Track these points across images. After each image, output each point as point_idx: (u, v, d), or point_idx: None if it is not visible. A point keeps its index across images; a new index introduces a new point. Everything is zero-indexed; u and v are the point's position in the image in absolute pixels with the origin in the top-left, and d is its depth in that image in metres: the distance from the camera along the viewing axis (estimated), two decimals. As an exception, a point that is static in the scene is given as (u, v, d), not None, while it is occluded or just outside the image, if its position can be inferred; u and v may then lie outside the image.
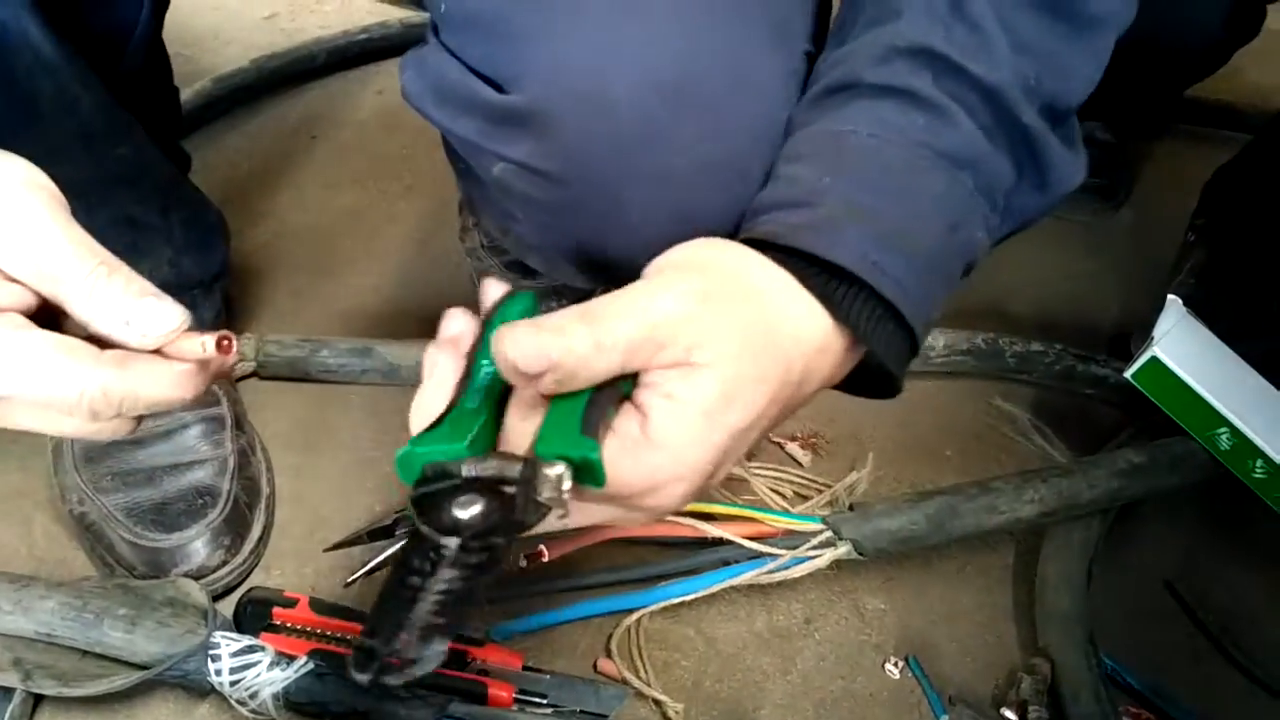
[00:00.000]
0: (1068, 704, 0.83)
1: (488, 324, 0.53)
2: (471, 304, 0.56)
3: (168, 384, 0.49)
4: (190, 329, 0.49)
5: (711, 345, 0.47)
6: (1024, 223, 0.61)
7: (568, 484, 0.44)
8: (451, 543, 0.42)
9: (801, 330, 0.51)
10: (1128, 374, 0.95)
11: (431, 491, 0.44)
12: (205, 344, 0.50)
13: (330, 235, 1.27)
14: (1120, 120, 1.37)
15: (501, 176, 0.67)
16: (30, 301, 0.48)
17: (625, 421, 0.47)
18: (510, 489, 0.43)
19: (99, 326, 0.48)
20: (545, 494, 0.44)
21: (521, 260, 0.98)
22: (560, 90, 0.61)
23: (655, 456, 0.47)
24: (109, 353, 0.48)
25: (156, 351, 0.49)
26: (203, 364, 0.50)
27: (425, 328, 0.54)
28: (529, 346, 0.44)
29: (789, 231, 0.52)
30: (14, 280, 0.47)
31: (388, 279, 1.20)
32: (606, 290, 0.49)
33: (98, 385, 0.47)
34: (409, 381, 1.03)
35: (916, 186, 0.54)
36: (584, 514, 0.50)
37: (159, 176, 0.88)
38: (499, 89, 0.64)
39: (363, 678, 0.41)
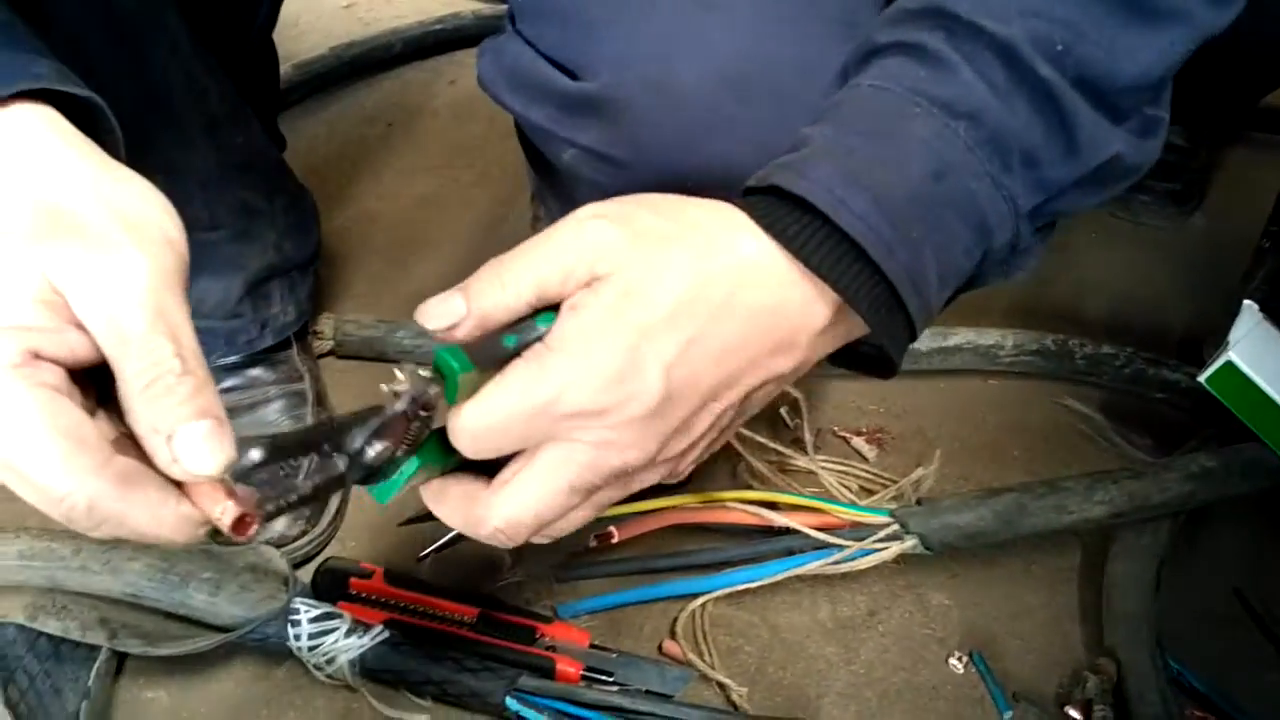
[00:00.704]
0: (1133, 704, 0.83)
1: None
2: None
3: (164, 525, 0.42)
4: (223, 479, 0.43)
5: (613, 254, 0.49)
6: (1060, 192, 0.56)
7: (402, 379, 0.49)
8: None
9: (729, 241, 0.50)
10: (1201, 378, 0.95)
11: None
12: (225, 513, 0.43)
13: (406, 221, 1.30)
14: (1196, 124, 1.36)
15: (571, 162, 0.69)
16: (88, 355, 0.42)
17: (538, 344, 0.49)
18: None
19: (138, 422, 0.42)
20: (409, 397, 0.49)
21: None
22: (630, 78, 0.63)
23: (552, 360, 0.48)
24: (117, 462, 0.41)
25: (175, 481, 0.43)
26: (209, 524, 0.44)
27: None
28: (435, 306, 0.49)
29: (767, 172, 0.52)
30: (82, 327, 0.42)
31: (461, 264, 1.22)
32: None
33: (85, 496, 0.40)
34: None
35: (900, 130, 0.52)
36: (543, 472, 0.50)
37: (268, 162, 0.91)
38: (572, 76, 0.65)
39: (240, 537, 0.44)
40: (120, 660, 0.84)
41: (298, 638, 0.80)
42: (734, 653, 0.89)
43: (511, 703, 0.79)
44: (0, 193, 0.43)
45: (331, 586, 0.86)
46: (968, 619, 0.93)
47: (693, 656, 0.87)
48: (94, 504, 0.41)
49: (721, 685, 0.86)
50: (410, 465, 0.51)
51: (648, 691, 0.83)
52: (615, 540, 0.88)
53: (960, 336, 1.10)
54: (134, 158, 0.49)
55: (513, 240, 0.51)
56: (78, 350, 0.42)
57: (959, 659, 0.90)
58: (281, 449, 0.46)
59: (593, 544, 0.89)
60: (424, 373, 0.48)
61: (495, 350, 0.49)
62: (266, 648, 0.81)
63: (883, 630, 0.92)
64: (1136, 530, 0.93)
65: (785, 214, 0.50)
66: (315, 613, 0.81)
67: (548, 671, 0.82)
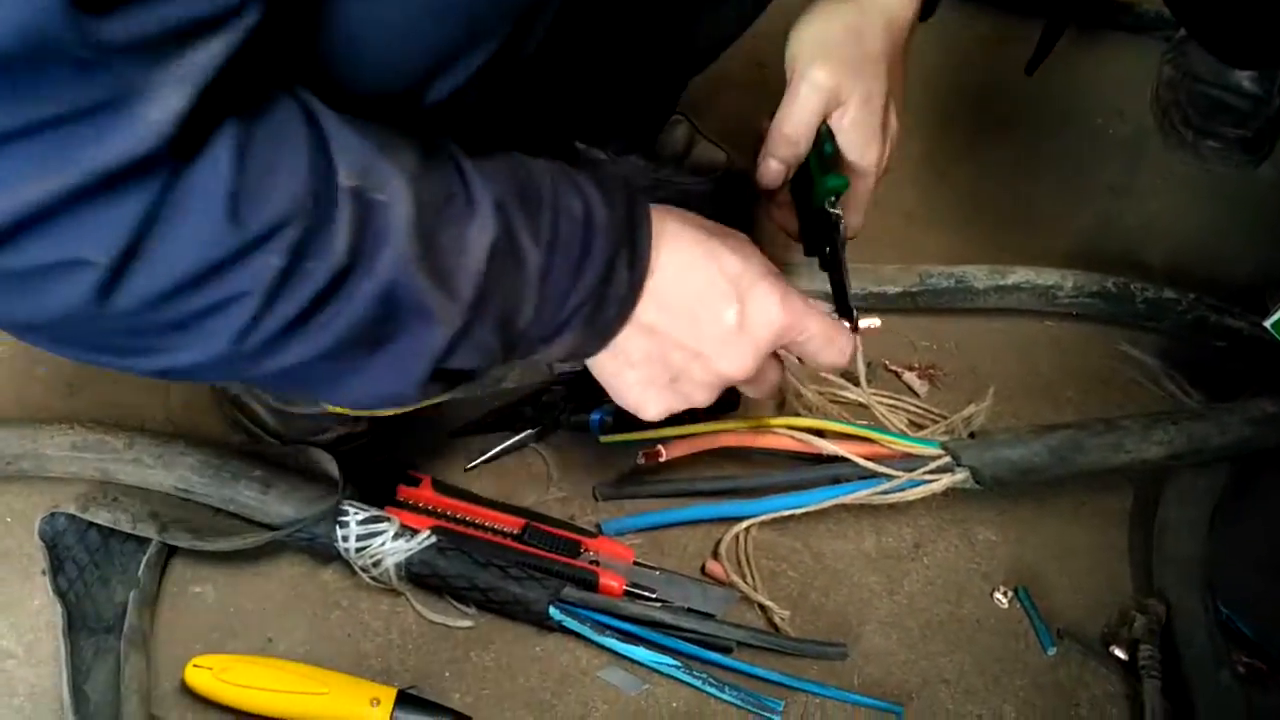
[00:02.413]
0: (1181, 646, 0.83)
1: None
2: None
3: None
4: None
5: (846, 84, 0.74)
6: None
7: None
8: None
9: (891, 27, 0.76)
10: (1267, 323, 0.93)
11: None
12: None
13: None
14: (1270, 71, 1.32)
15: None
16: None
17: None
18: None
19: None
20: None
21: None
22: None
23: (852, 156, 0.77)
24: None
25: None
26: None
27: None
28: (765, 167, 0.77)
29: None
30: None
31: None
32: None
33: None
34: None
35: None
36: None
37: None
38: None
39: None
40: (169, 554, 0.84)
41: (345, 539, 0.80)
42: (776, 577, 0.89)
43: (555, 612, 0.79)
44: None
45: (380, 492, 0.87)
46: (1014, 555, 0.92)
47: (735, 578, 0.87)
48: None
49: (763, 607, 0.86)
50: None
51: (690, 609, 0.83)
52: (663, 459, 0.87)
53: (1019, 275, 1.08)
54: None
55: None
56: None
57: (1004, 594, 0.89)
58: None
59: (641, 461, 0.88)
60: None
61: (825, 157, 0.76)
62: (314, 548, 0.82)
63: (928, 563, 0.91)
64: (1193, 473, 0.91)
65: None
66: (363, 515, 0.81)
67: (591, 584, 0.82)
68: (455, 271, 0.52)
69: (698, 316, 0.62)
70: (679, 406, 0.66)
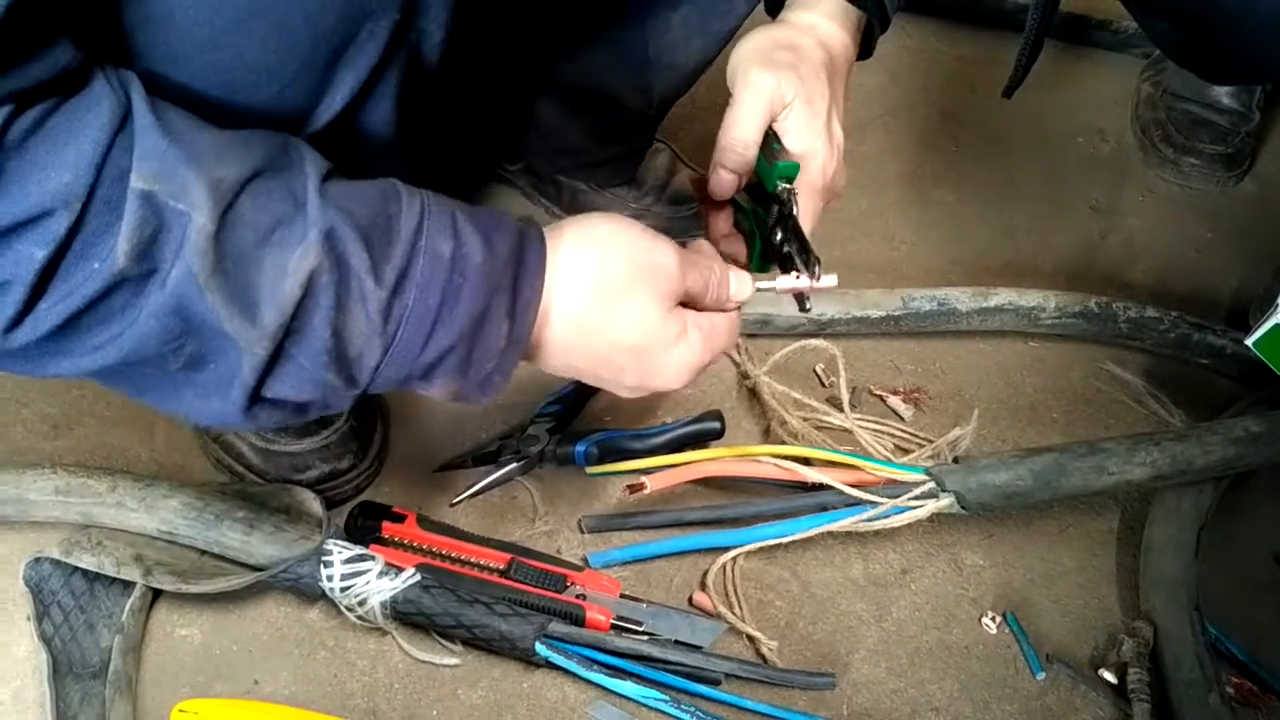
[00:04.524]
0: (1169, 669, 0.82)
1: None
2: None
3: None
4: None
5: (792, 86, 0.74)
6: None
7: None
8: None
9: (827, 47, 0.77)
10: (1249, 341, 0.93)
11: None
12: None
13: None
14: (1251, 88, 1.33)
15: None
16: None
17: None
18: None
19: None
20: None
21: None
22: None
23: (796, 152, 0.75)
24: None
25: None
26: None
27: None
28: (716, 178, 0.76)
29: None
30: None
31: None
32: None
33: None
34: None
35: None
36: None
37: None
38: None
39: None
40: (154, 597, 0.84)
41: (330, 579, 0.80)
42: (764, 606, 0.89)
43: (541, 648, 0.79)
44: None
45: (364, 530, 0.87)
46: (1002, 580, 0.92)
47: (723, 609, 0.87)
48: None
49: (751, 638, 0.86)
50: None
51: (677, 642, 0.83)
52: (648, 491, 0.87)
53: (1001, 297, 1.08)
54: None
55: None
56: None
57: (992, 619, 0.89)
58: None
59: (626, 494, 0.88)
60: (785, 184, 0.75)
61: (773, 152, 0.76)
62: (299, 588, 0.82)
63: (915, 589, 0.91)
64: (1177, 494, 0.91)
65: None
66: (348, 554, 0.81)
67: (578, 619, 0.82)
68: (261, 297, 0.50)
69: (593, 376, 0.65)
70: None
